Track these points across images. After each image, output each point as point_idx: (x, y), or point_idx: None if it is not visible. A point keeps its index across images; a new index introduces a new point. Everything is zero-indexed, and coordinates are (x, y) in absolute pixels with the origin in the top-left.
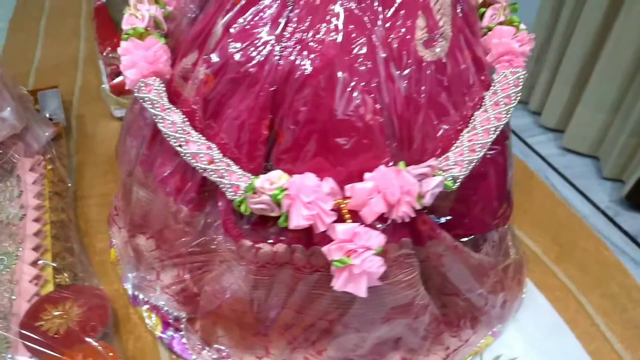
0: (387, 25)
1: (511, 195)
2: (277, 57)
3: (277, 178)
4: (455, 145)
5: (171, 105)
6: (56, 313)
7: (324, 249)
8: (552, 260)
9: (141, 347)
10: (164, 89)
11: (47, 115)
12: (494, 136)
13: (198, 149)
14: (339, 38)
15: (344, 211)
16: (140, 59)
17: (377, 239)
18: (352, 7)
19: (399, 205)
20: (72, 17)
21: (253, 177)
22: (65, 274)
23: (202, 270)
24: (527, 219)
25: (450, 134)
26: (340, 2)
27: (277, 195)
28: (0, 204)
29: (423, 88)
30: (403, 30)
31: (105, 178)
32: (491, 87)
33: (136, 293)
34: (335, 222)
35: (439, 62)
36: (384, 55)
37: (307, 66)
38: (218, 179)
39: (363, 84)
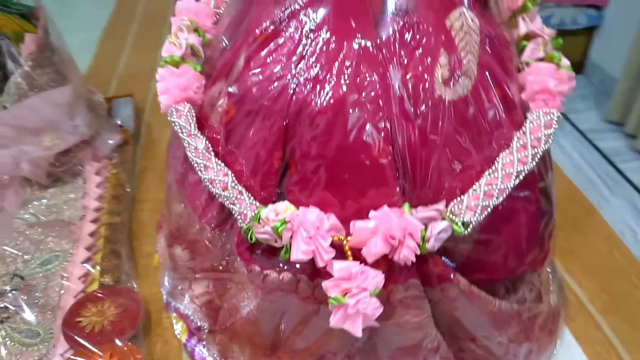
0: (405, 62)
1: (547, 240)
2: (291, 92)
3: (283, 209)
4: (473, 188)
5: (197, 132)
6: (94, 311)
7: (323, 284)
8: (598, 309)
9: (167, 352)
10: (193, 115)
11: (118, 122)
12: (517, 181)
13: (215, 175)
14: (352, 76)
15: (346, 248)
16: (173, 86)
17: (374, 279)
18: (368, 45)
19: (400, 248)
20: (158, 25)
21: (261, 206)
22: (109, 276)
23: (226, 286)
24: (577, 260)
25: (472, 175)
26: (356, 40)
27: (278, 228)
28: (66, 203)
29: (440, 127)
30: (421, 68)
31: (162, 184)
32: (522, 128)
33: (169, 299)
34: (337, 257)
35: (460, 101)
36: (398, 92)
37: (319, 102)
38: (230, 206)
39: (374, 121)
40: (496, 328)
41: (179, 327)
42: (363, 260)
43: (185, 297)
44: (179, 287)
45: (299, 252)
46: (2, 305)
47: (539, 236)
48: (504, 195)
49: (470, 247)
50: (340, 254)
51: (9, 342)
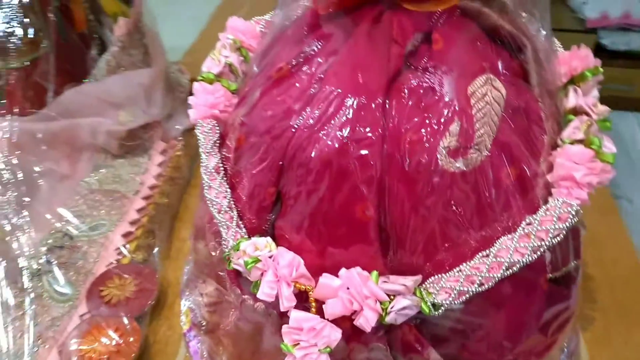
0: (409, 125)
1: (555, 331)
2: (290, 135)
3: (262, 245)
4: (458, 268)
5: (213, 150)
6: (117, 284)
7: (282, 327)
8: None
9: (169, 336)
10: (217, 132)
11: None
12: (508, 273)
13: (214, 197)
14: (350, 131)
15: (311, 299)
16: (202, 102)
17: (327, 337)
18: (370, 103)
19: (359, 313)
20: (269, 9)
21: (243, 237)
22: (142, 252)
23: (223, 294)
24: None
25: (465, 252)
26: (359, 96)
27: (248, 264)
28: (128, 175)
29: (436, 197)
30: (427, 132)
31: None
32: (537, 213)
33: (184, 288)
34: (302, 306)
35: (464, 175)
36: (392, 153)
37: (312, 152)
38: (220, 228)
39: (363, 179)
40: None
41: (184, 317)
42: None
43: (196, 291)
44: (194, 279)
45: (263, 293)
46: (47, 259)
47: (541, 326)
48: (489, 285)
49: (452, 324)
50: (306, 302)
51: (44, 294)
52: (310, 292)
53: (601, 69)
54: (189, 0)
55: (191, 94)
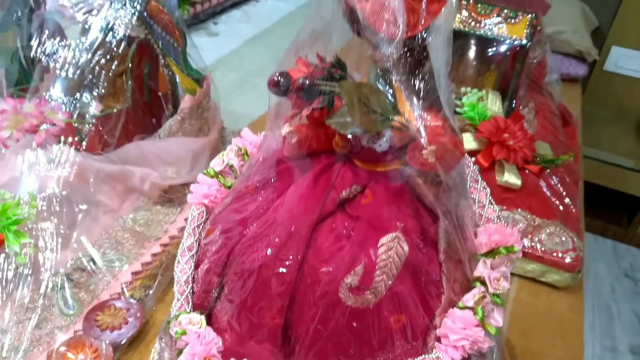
0: (323, 258)
1: None
2: (236, 241)
3: (196, 321)
4: None
5: (193, 232)
6: (112, 313)
7: None
8: None
9: None
10: (201, 217)
11: None
12: None
13: (179, 270)
14: (274, 251)
15: None
16: (199, 190)
17: None
18: (297, 233)
19: None
20: None
21: (185, 311)
22: (140, 292)
23: None
24: None
25: None
26: (290, 226)
27: (177, 333)
28: (159, 222)
29: (331, 321)
30: (334, 266)
31: None
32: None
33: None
34: None
35: (357, 311)
36: (305, 278)
37: (245, 260)
38: (175, 298)
39: (277, 293)
40: None
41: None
42: None
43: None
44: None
45: None
46: (68, 277)
47: None
48: None
49: None
50: None
51: (54, 306)
52: None
53: (517, 248)
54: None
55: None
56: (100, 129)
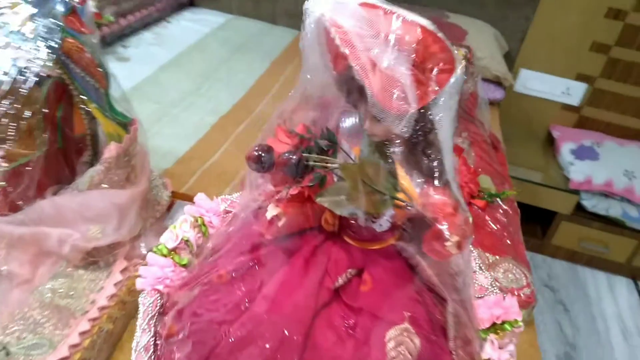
0: None
1: None
2: (212, 344)
3: None
4: None
5: (147, 327)
6: None
7: None
8: None
9: None
10: (155, 306)
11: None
12: None
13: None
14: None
15: None
16: (151, 274)
17: None
18: (290, 337)
19: None
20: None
21: None
22: None
23: None
24: None
25: None
26: (282, 328)
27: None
28: (83, 291)
29: None
30: None
31: None
32: None
33: None
34: None
35: None
36: None
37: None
38: None
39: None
40: None
41: None
42: None
43: None
44: None
45: None
46: None
47: None
48: None
49: None
50: None
51: None
52: None
53: (520, 322)
54: (199, 108)
55: (168, 210)
56: (6, 185)
